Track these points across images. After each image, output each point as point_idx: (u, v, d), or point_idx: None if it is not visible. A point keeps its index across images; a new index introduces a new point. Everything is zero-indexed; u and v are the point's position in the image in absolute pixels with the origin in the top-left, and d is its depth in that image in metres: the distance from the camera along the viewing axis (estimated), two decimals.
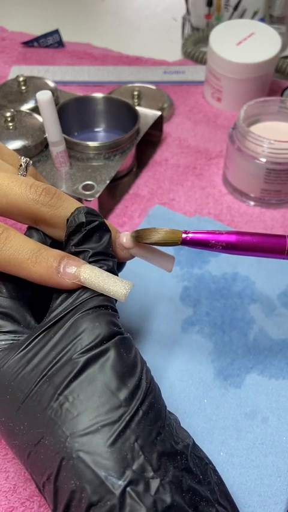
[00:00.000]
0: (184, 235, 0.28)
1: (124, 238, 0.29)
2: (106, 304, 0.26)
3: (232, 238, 0.28)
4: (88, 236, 0.27)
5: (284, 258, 0.28)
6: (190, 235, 0.28)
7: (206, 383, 0.36)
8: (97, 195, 0.45)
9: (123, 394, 0.23)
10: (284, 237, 0.28)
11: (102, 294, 0.26)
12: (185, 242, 0.28)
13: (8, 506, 0.30)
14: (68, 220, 0.27)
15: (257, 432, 0.33)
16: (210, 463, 0.26)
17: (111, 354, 0.24)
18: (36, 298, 0.29)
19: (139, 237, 0.29)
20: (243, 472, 0.31)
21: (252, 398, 0.35)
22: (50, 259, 0.26)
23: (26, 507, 0.30)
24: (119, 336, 0.25)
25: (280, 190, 0.47)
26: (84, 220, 0.27)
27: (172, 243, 0.28)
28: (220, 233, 0.28)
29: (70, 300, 0.26)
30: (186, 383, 0.36)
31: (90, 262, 0.27)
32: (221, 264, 0.44)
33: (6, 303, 0.26)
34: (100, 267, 0.26)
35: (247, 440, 0.33)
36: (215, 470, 0.26)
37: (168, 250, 0.30)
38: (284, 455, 0.32)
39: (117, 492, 0.21)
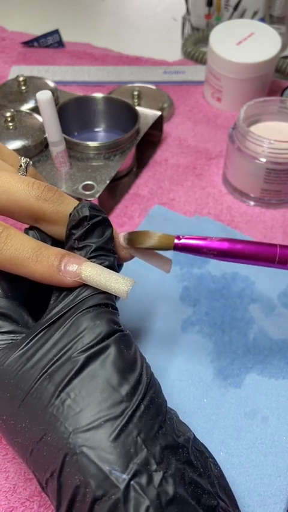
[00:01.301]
0: (176, 241, 0.28)
1: (122, 238, 0.29)
2: (106, 303, 0.26)
3: (224, 245, 0.28)
4: (90, 231, 0.27)
5: (275, 267, 0.28)
6: (182, 241, 0.28)
7: (205, 383, 0.36)
8: (97, 195, 0.45)
9: (124, 389, 0.23)
10: (275, 245, 0.28)
11: (102, 292, 0.26)
12: (177, 248, 0.28)
13: (8, 506, 0.30)
14: (70, 214, 0.27)
15: (256, 432, 0.33)
16: (211, 456, 0.26)
17: (112, 351, 0.24)
18: (31, 296, 0.29)
19: (132, 241, 0.29)
20: (243, 471, 0.31)
21: (252, 398, 0.35)
22: (51, 257, 0.26)
23: (26, 507, 0.30)
24: (119, 333, 0.25)
25: (280, 190, 0.47)
26: (88, 214, 0.27)
27: (164, 249, 0.28)
28: (212, 240, 0.28)
29: (70, 298, 0.26)
30: (186, 383, 0.36)
31: (91, 257, 0.27)
32: (221, 263, 0.44)
33: (3, 303, 0.26)
34: (101, 263, 0.27)
35: (247, 440, 0.33)
36: (215, 464, 0.26)
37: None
38: (283, 455, 0.32)
39: (122, 486, 0.21)
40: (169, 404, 0.26)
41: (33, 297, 0.29)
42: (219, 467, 0.26)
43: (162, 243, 0.28)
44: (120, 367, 0.24)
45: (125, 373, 0.24)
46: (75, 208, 0.27)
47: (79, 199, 0.43)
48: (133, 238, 0.29)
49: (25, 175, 0.30)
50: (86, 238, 0.27)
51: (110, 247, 0.28)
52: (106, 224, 0.28)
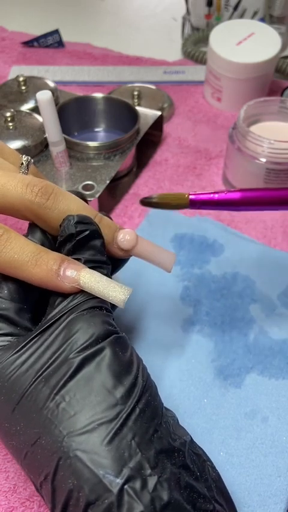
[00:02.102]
0: (192, 197, 0.31)
1: (120, 236, 0.29)
2: (101, 306, 0.26)
3: (236, 195, 0.30)
4: (79, 245, 0.27)
5: None
6: (194, 197, 0.31)
7: (206, 383, 0.36)
8: (97, 195, 0.45)
9: (119, 392, 0.23)
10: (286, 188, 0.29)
11: (97, 296, 0.26)
12: (193, 203, 0.31)
13: (8, 506, 0.30)
14: (60, 225, 0.27)
15: (256, 432, 0.33)
16: (209, 459, 0.26)
17: (107, 353, 0.24)
18: (43, 301, 0.29)
19: (148, 204, 0.32)
20: (243, 471, 0.31)
21: (252, 398, 0.35)
22: (50, 262, 0.26)
23: (26, 507, 0.30)
24: (115, 335, 0.25)
25: None
26: (74, 231, 0.27)
27: (180, 206, 0.31)
28: (224, 192, 0.31)
29: (65, 303, 0.26)
30: (186, 383, 0.36)
31: None
32: (221, 263, 0.44)
33: (5, 304, 0.26)
34: None
35: (247, 440, 0.33)
36: (213, 467, 0.26)
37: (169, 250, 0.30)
38: (284, 455, 0.32)
39: (115, 490, 0.21)
40: (169, 405, 0.26)
41: (46, 302, 0.29)
42: (217, 470, 0.26)
43: (177, 200, 0.31)
44: (115, 370, 0.24)
45: (120, 376, 0.24)
46: (62, 223, 0.27)
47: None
48: (149, 201, 0.32)
49: (26, 173, 0.30)
50: (75, 253, 0.27)
51: (99, 259, 0.28)
52: (95, 237, 0.28)
